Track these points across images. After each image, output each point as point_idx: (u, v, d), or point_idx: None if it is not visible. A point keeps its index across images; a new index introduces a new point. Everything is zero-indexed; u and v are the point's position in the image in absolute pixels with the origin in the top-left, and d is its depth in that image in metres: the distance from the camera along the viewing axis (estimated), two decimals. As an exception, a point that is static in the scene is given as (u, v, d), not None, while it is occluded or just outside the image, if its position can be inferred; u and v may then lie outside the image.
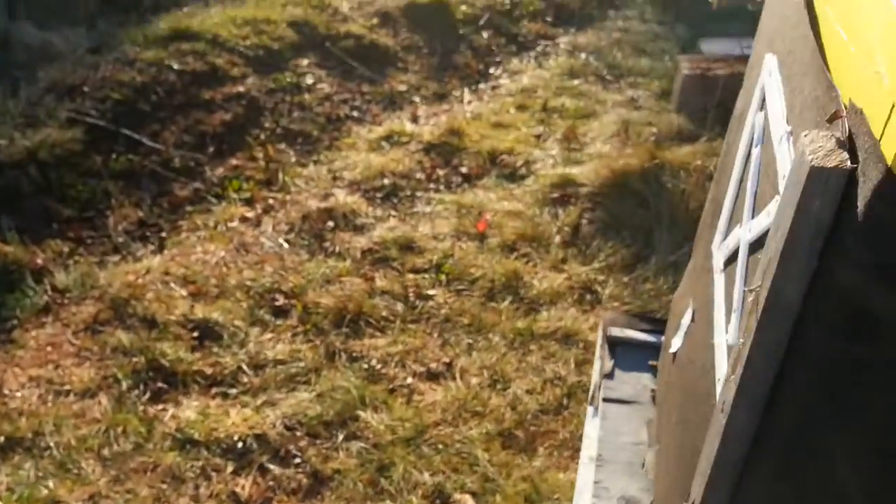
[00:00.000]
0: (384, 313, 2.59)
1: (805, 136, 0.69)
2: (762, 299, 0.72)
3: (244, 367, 2.37)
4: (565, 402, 2.30)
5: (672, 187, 3.01)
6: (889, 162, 0.59)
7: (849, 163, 0.65)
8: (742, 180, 1.01)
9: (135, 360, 2.40)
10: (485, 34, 4.51)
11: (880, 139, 0.61)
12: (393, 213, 3.11)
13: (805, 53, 0.85)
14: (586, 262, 2.83)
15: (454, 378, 2.36)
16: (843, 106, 0.69)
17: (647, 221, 2.91)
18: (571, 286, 2.74)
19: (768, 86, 0.95)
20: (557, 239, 2.94)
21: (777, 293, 0.71)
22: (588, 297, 2.71)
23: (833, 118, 0.69)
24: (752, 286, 0.76)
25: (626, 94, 3.88)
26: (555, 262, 2.85)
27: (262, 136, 3.50)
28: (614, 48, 4.28)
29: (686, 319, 1.20)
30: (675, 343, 1.23)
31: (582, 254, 2.88)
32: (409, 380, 2.35)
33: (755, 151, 0.96)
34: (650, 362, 1.51)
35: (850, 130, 0.66)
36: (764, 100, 0.96)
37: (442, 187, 3.28)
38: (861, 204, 0.63)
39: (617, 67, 4.12)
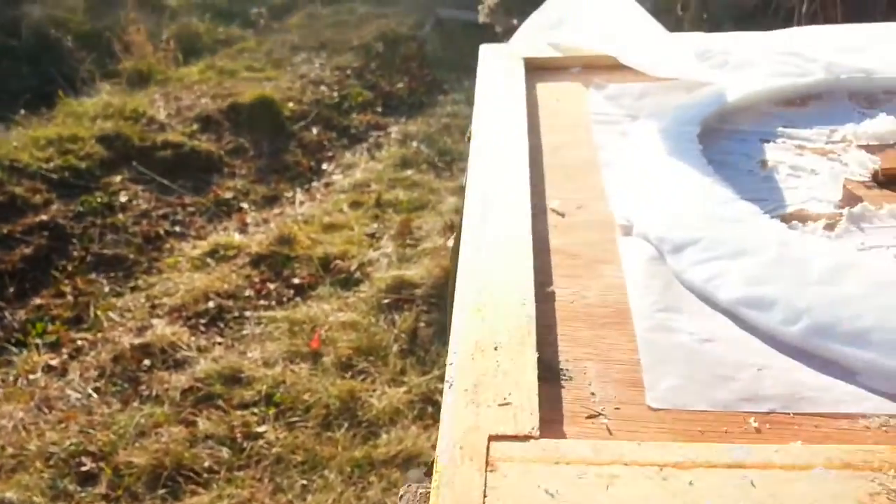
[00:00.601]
0: (207, 463, 2.36)
1: (400, 496, 0.59)
2: None
3: (40, 557, 2.06)
4: (409, 538, 2.13)
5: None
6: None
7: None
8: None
9: None
10: (314, 129, 4.41)
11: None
12: (219, 339, 2.89)
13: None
14: (426, 371, 2.71)
15: (286, 531, 2.15)
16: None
17: (482, 320, 2.84)
18: (411, 400, 2.61)
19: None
20: (395, 348, 2.81)
21: None
22: (429, 409, 2.58)
23: (429, 471, 0.59)
24: None
25: (457, 180, 3.86)
26: (394, 375, 2.71)
27: (70, 268, 3.21)
28: (444, 134, 4.28)
29: None
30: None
31: (421, 362, 2.76)
32: (236, 542, 2.12)
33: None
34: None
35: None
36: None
37: (273, 303, 3.10)
38: None
39: (448, 153, 4.12)
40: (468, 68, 5.69)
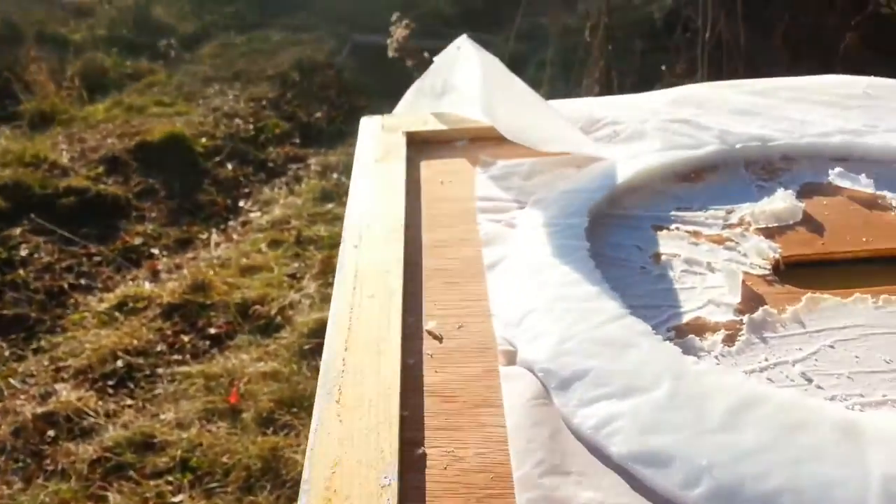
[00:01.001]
0: (118, 543, 2.19)
1: None
2: None
3: None
4: None
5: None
6: None
7: None
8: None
9: None
10: (230, 165, 4.26)
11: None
12: (129, 402, 2.71)
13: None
14: (351, 420, 2.60)
15: None
16: None
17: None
18: (338, 453, 2.49)
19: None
20: (319, 397, 2.69)
21: None
22: (357, 461, 2.47)
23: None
24: None
25: (379, 213, 3.76)
26: (318, 427, 2.59)
27: (-35, 333, 2.99)
28: (364, 164, 4.18)
29: None
30: None
31: (346, 410, 2.64)
32: None
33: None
34: None
35: None
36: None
37: (187, 356, 2.94)
38: None
39: (369, 184, 4.02)
40: (387, 94, 5.64)
